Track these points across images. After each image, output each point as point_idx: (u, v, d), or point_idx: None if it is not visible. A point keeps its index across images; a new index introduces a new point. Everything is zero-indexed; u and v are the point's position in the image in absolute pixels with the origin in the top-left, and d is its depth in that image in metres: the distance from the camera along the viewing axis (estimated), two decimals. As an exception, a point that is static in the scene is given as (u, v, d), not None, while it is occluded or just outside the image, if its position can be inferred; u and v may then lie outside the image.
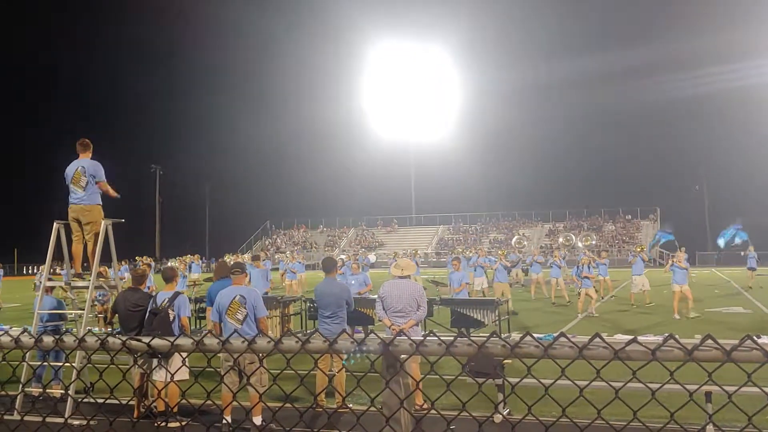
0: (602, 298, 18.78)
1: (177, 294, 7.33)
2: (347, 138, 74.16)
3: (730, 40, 58.47)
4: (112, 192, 8.43)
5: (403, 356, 1.74)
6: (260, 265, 17.35)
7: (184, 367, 4.88)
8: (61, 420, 2.31)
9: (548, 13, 78.54)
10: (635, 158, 70.98)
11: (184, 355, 2.02)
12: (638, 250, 20.48)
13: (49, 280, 8.82)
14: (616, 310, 17.77)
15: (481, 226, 64.13)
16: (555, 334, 1.67)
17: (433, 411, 4.85)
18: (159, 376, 7.00)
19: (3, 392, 2.66)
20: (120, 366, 2.18)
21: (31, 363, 7.72)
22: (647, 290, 18.18)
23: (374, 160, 71.12)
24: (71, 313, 9.41)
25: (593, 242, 52.12)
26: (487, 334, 1.68)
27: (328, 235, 68.07)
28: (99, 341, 1.87)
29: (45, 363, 8.27)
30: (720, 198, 61.15)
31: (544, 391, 1.70)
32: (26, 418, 2.28)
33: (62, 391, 8.09)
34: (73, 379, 7.57)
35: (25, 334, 1.96)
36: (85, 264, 8.55)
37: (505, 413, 6.84)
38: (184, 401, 7.17)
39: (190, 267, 24.63)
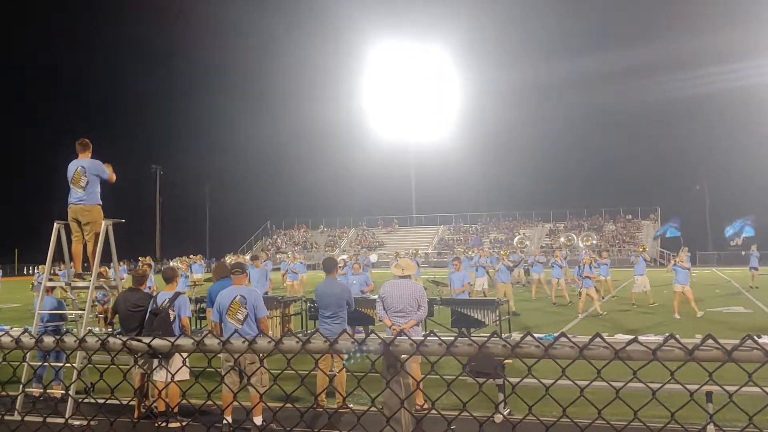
0: (602, 298, 18.77)
1: (177, 294, 7.33)
2: (347, 138, 74.22)
3: (730, 40, 58.47)
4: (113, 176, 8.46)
5: (403, 356, 1.74)
6: (259, 264, 17.36)
7: (184, 367, 4.88)
8: (61, 420, 2.31)
9: (548, 13, 78.60)
10: (635, 158, 71.06)
11: (185, 355, 2.02)
12: (640, 250, 20.47)
13: (50, 280, 8.83)
14: (617, 309, 17.76)
15: (482, 226, 64.11)
16: (555, 334, 1.66)
17: (433, 411, 4.85)
18: (159, 376, 7.01)
19: (4, 392, 2.67)
20: (120, 366, 2.18)
21: (31, 363, 7.73)
22: (648, 290, 18.17)
23: (374, 160, 71.18)
24: (72, 314, 9.41)
25: (594, 242, 52.12)
26: (488, 334, 1.68)
27: (328, 235, 68.06)
28: (99, 341, 1.87)
29: (45, 363, 8.28)
30: (720, 198, 61.20)
31: (544, 391, 1.69)
32: (27, 418, 2.28)
33: (63, 392, 8.09)
34: (73, 380, 7.57)
35: (26, 334, 1.96)
36: (85, 264, 8.55)
37: (505, 413, 6.84)
38: (184, 401, 7.17)
39: (191, 267, 24.65)
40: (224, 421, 6.55)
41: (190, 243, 59.36)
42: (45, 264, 8.48)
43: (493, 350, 1.62)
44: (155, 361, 6.92)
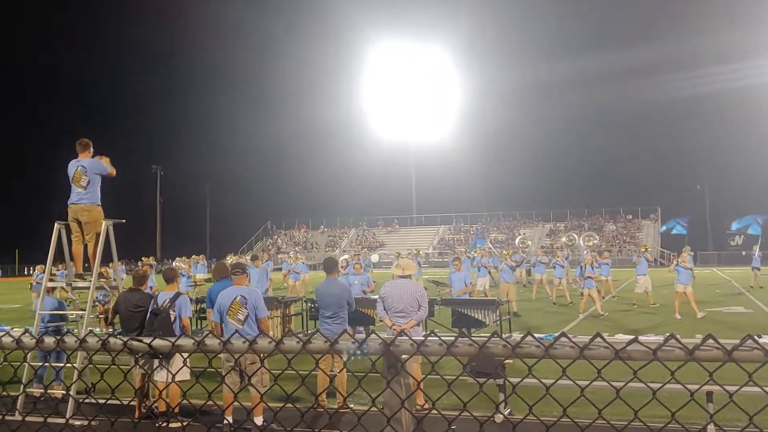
0: (603, 298, 18.77)
1: (178, 294, 7.33)
2: (347, 138, 74.26)
3: (730, 40, 58.48)
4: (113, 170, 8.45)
5: (404, 356, 1.74)
6: (260, 264, 17.37)
7: (185, 367, 4.88)
8: (62, 420, 2.31)
9: (548, 13, 78.64)
10: (636, 158, 71.10)
11: (185, 355, 2.02)
12: (642, 250, 20.46)
13: (50, 281, 8.83)
14: (618, 309, 17.76)
15: (482, 226, 64.12)
16: (556, 334, 1.67)
17: (434, 411, 4.85)
18: (160, 376, 7.01)
19: (4, 393, 2.67)
20: (121, 366, 2.18)
21: (32, 364, 7.72)
22: (650, 291, 18.17)
23: (374, 160, 71.21)
24: (72, 314, 9.41)
25: (596, 241, 52.08)
26: (488, 334, 1.69)
27: (329, 235, 68.06)
28: (100, 342, 1.87)
29: (46, 364, 8.28)
30: (720, 198, 61.24)
31: (545, 391, 1.70)
32: (28, 418, 2.28)
33: (63, 392, 8.09)
34: (74, 380, 7.57)
35: (27, 334, 1.96)
36: (86, 265, 8.55)
37: (506, 413, 6.84)
38: (185, 402, 7.17)
39: (195, 267, 24.69)
40: (225, 422, 6.56)
41: (191, 243, 59.36)
42: (44, 264, 8.48)
43: (493, 350, 1.62)
44: (156, 362, 6.92)
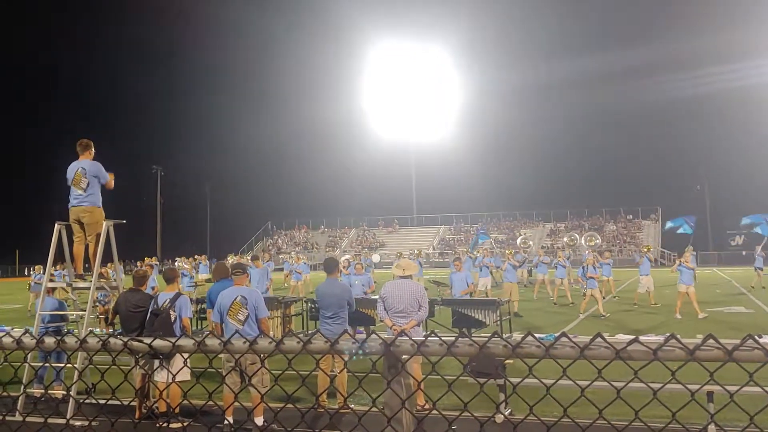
0: (603, 298, 18.77)
1: (178, 295, 7.33)
2: (347, 138, 74.26)
3: (730, 40, 58.47)
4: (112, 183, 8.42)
5: (404, 356, 1.74)
6: (260, 264, 17.38)
7: (185, 367, 4.87)
8: (62, 421, 2.31)
9: (548, 13, 78.62)
10: (636, 158, 71.05)
11: (186, 355, 2.02)
12: (645, 250, 20.45)
13: (51, 281, 8.83)
14: (618, 309, 17.76)
15: (483, 226, 64.10)
16: (556, 334, 1.66)
17: (434, 411, 4.85)
18: (160, 376, 7.00)
19: (5, 393, 2.67)
20: (121, 367, 2.18)
21: (32, 364, 7.72)
22: (652, 291, 18.16)
23: (374, 160, 71.21)
24: (73, 314, 9.41)
25: (598, 241, 52.03)
26: (489, 335, 1.68)
27: (329, 235, 68.06)
28: (100, 342, 1.87)
29: (47, 364, 8.28)
30: (721, 198, 61.23)
31: (545, 391, 1.69)
32: (28, 419, 2.28)
33: (64, 392, 8.09)
34: (74, 380, 7.56)
35: (27, 335, 1.96)
36: (86, 265, 8.55)
37: (506, 413, 6.83)
38: (185, 402, 7.17)
39: (198, 267, 24.72)
40: (225, 422, 6.56)
41: (191, 243, 59.40)
42: (44, 264, 8.48)
43: (494, 350, 1.62)
44: (156, 362, 6.92)
